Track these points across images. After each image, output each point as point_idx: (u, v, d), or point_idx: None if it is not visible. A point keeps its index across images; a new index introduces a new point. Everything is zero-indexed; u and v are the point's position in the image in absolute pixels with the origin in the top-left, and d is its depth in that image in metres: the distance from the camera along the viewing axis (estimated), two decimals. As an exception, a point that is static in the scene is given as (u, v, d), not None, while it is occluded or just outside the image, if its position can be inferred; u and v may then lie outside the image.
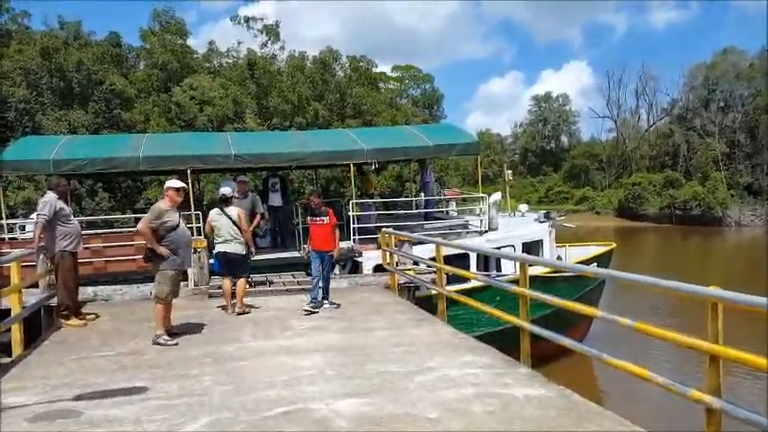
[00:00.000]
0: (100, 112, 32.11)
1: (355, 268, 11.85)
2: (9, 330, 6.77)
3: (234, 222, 8.27)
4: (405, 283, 9.81)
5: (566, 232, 17.69)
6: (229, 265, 8.39)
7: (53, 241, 7.68)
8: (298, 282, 10.50)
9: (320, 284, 8.50)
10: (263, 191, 14.28)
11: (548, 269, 11.30)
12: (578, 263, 12.87)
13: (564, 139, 76.88)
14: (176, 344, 6.71)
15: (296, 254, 12.31)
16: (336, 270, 11.42)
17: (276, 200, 13.76)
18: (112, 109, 32.69)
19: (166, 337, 6.78)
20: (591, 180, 65.67)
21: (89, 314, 8.27)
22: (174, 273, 6.92)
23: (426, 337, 6.81)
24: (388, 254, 10.49)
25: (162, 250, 6.74)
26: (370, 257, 11.63)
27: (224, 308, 8.53)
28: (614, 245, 16.53)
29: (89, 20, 47.92)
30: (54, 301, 8.13)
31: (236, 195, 9.92)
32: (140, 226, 6.86)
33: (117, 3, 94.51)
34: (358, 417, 4.42)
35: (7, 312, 7.15)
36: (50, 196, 7.73)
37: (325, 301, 8.51)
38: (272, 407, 4.67)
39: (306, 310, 8.20)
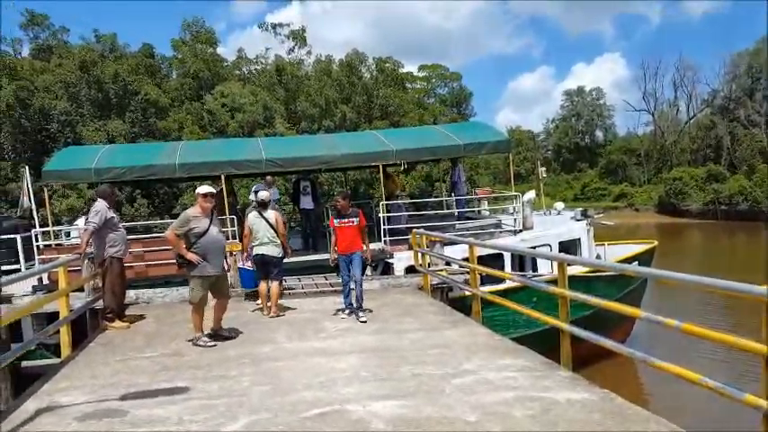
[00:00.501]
0: (136, 122, 32.94)
1: (387, 270, 11.86)
2: (58, 332, 7.03)
3: (271, 225, 8.40)
4: (437, 284, 9.78)
5: (604, 230, 17.33)
6: (266, 267, 8.52)
7: (102, 247, 8.00)
8: (330, 284, 10.58)
9: (352, 288, 8.16)
10: (294, 194, 14.45)
11: (586, 269, 11.11)
12: (618, 262, 12.63)
13: (599, 133, 75.30)
14: (214, 345, 6.85)
15: (327, 255, 12.40)
16: (368, 271, 11.47)
17: (307, 203, 13.92)
18: (148, 118, 33.48)
19: (205, 339, 6.93)
20: (629, 176, 63.97)
21: (135, 316, 8.57)
22: (204, 278, 6.94)
23: (462, 338, 6.77)
24: (419, 255, 10.48)
25: (191, 256, 6.81)
26: (401, 258, 11.63)
27: (260, 309, 8.70)
28: (656, 242, 16.12)
29: (123, 32, 49.24)
30: (99, 305, 8.42)
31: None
32: (167, 233, 7.03)
33: (149, 14, 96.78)
34: (395, 419, 4.43)
35: (56, 315, 7.43)
36: (101, 205, 8.06)
37: (360, 312, 8.00)
38: (310, 408, 4.73)
39: (341, 316, 8.14)
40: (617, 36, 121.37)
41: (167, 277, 10.53)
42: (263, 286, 8.63)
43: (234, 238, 11.80)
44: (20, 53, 37.20)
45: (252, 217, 8.60)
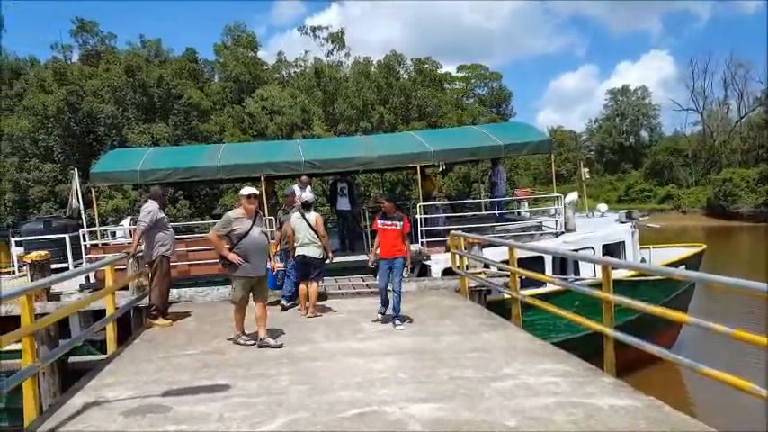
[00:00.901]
0: (179, 125, 33.74)
1: (423, 271, 11.81)
2: (103, 329, 7.24)
3: (311, 227, 8.47)
4: (475, 286, 9.66)
5: (649, 233, 16.82)
6: (306, 268, 8.59)
7: (152, 246, 8.27)
8: (366, 284, 10.59)
9: (389, 296, 7.91)
10: (332, 195, 14.53)
11: (631, 272, 10.81)
12: (664, 266, 12.24)
13: (644, 134, 73.21)
14: (253, 343, 6.93)
15: (364, 257, 12.42)
16: (405, 273, 11.42)
17: (344, 204, 13.97)
18: (190, 121, 34.27)
19: (244, 338, 7.03)
20: (675, 177, 61.90)
21: (179, 313, 8.82)
22: (246, 278, 6.94)
23: (501, 342, 6.68)
24: (457, 257, 10.39)
25: (232, 257, 6.81)
26: (438, 260, 11.55)
27: (299, 309, 8.79)
28: (704, 246, 15.57)
29: (168, 37, 50.56)
30: (144, 302, 8.66)
31: (286, 208, 9.82)
32: (209, 233, 7.12)
33: (193, 19, 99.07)
34: (433, 421, 4.40)
35: (102, 312, 7.66)
36: (153, 205, 8.35)
37: (397, 321, 7.71)
38: (347, 408, 4.73)
39: (377, 317, 8.02)
40: (664, 33, 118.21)
41: (209, 277, 10.74)
42: (302, 288, 8.70)
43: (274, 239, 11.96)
44: (70, 59, 38.57)
45: (294, 218, 8.70)
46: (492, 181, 14.61)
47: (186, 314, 8.92)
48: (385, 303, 8.03)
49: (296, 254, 8.62)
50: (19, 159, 30.66)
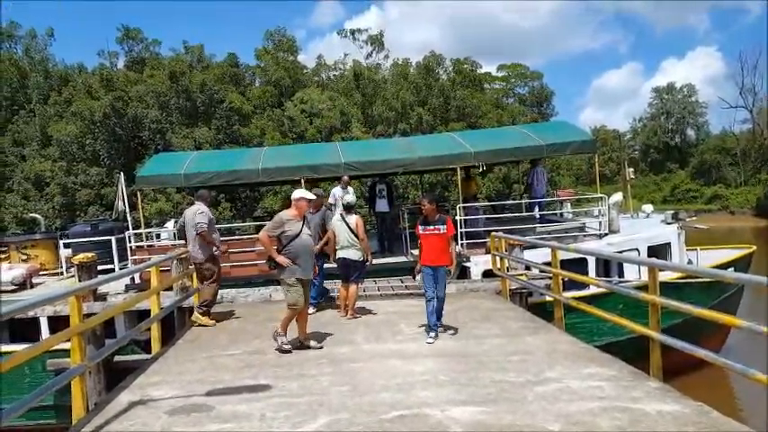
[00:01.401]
0: (221, 129, 34.43)
1: (463, 273, 11.71)
2: (149, 329, 7.41)
3: (351, 230, 8.49)
4: (516, 288, 9.52)
5: (697, 234, 16.25)
6: (346, 270, 8.62)
7: (206, 246, 8.49)
8: (405, 286, 10.57)
9: (435, 305, 7.24)
10: (370, 197, 14.57)
11: (677, 274, 10.49)
12: (713, 268, 11.82)
13: (690, 132, 71.00)
14: (290, 350, 6.72)
15: (402, 258, 12.41)
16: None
17: (383, 206, 13.98)
18: (232, 125, 34.92)
19: (283, 339, 6.83)
20: (723, 176, 59.77)
21: (223, 313, 9.06)
22: (297, 280, 6.80)
23: (543, 345, 6.55)
24: (498, 258, 10.26)
25: (281, 259, 6.71)
26: (478, 262, 11.44)
27: (338, 310, 8.84)
28: (754, 247, 14.99)
29: (210, 43, 51.62)
30: (187, 303, 8.86)
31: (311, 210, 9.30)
32: (260, 234, 6.99)
33: (234, 24, 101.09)
34: (475, 425, 4.34)
35: (146, 312, 7.85)
36: (205, 207, 8.61)
37: (432, 332, 7.14)
38: (388, 410, 4.71)
39: (427, 340, 7.00)
40: (711, 29, 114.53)
41: (250, 278, 10.90)
42: (342, 290, 8.74)
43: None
44: (116, 66, 39.79)
45: (335, 220, 8.74)
46: (528, 182, 14.41)
47: (229, 314, 9.09)
48: (433, 314, 7.20)
49: (336, 256, 8.66)
50: (67, 163, 31.77)
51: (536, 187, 14.01)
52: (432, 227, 7.26)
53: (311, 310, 8.74)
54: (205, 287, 8.57)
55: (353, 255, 8.52)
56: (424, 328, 7.49)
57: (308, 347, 6.85)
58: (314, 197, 7.26)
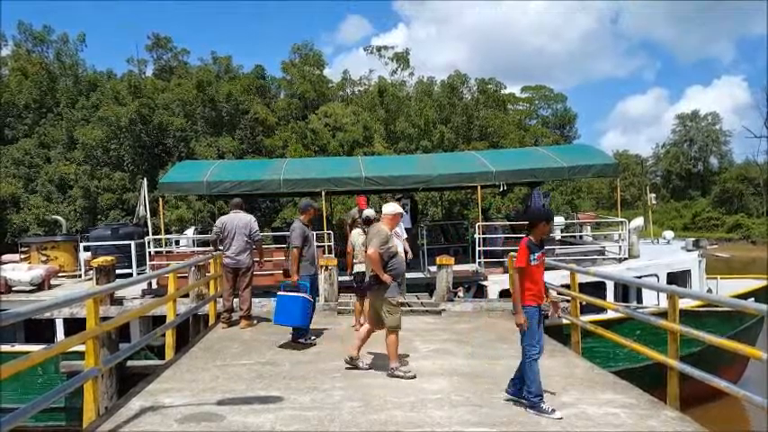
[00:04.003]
0: (245, 139, 34.73)
1: (480, 292, 11.61)
2: (163, 335, 7.44)
3: None
4: (534, 310, 9.40)
5: (717, 263, 16.00)
6: (363, 285, 8.55)
7: (250, 254, 8.92)
8: (422, 303, 10.50)
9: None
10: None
11: (696, 302, 10.29)
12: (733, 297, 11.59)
13: (713, 160, 70.01)
14: (413, 377, 6.12)
15: (420, 275, 12.35)
16: (460, 293, 11.27)
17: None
18: (256, 136, 35.20)
19: (404, 369, 6.28)
20: (745, 206, 58.91)
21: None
22: (398, 300, 6.45)
23: (559, 369, 6.45)
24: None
25: (386, 277, 6.24)
26: (495, 281, 11.36)
27: (353, 326, 8.75)
28: None
29: (238, 54, 52.30)
30: (202, 311, 8.97)
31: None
32: (371, 251, 6.19)
33: (263, 37, 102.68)
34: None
35: (161, 318, 7.89)
36: (253, 217, 9.01)
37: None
38: (400, 429, 4.65)
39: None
40: (738, 59, 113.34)
41: (265, 287, 10.89)
42: (358, 305, 8.69)
43: (330, 252, 12.10)
44: (144, 73, 40.46)
45: (355, 234, 8.66)
46: (528, 204, 14.41)
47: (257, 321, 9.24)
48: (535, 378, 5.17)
49: (355, 271, 8.62)
50: (91, 167, 32.22)
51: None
52: (541, 252, 5.38)
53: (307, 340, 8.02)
54: (246, 293, 8.92)
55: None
56: (438, 347, 7.39)
57: (357, 367, 6.50)
58: (401, 211, 6.83)
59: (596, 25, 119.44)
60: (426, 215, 31.46)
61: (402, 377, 6.11)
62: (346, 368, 6.49)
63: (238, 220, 8.82)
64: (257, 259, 9.08)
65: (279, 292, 7.75)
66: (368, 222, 8.56)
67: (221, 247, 8.97)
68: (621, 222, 12.91)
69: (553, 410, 4.92)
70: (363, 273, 8.40)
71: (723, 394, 4.67)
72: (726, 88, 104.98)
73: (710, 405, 9.05)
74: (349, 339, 8.05)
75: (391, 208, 6.69)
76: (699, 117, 70.50)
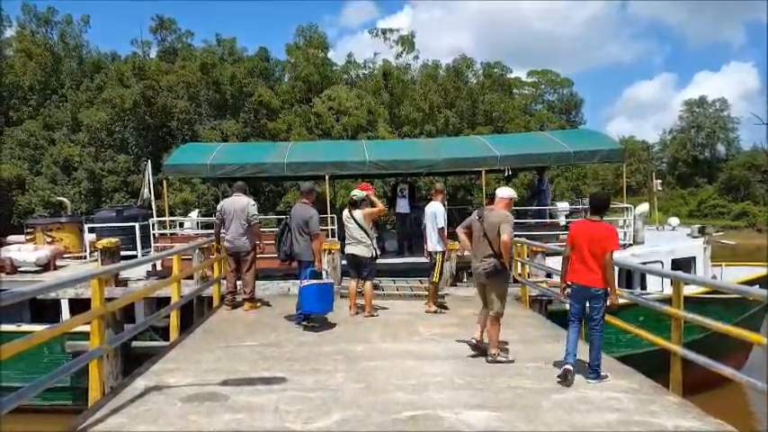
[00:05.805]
0: (248, 122, 34.64)
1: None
2: (168, 316, 7.48)
3: (360, 226, 8.37)
4: (536, 295, 9.43)
5: (722, 250, 15.96)
6: (357, 267, 8.58)
7: (250, 237, 8.85)
8: (425, 287, 10.49)
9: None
10: (392, 196, 14.54)
11: (700, 289, 10.28)
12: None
13: (720, 147, 69.35)
14: (512, 361, 6.09)
15: (422, 259, 12.35)
16: (464, 279, 11.27)
17: (403, 206, 13.96)
18: (259, 119, 35.10)
19: (504, 355, 6.19)
20: (752, 193, 58.58)
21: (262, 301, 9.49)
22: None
23: (562, 353, 6.44)
24: (519, 264, 10.16)
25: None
26: None
27: (349, 308, 8.72)
28: None
29: (242, 36, 51.98)
30: (206, 293, 9.00)
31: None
32: (507, 238, 5.91)
33: (267, 19, 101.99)
34: (488, 430, 4.29)
35: (165, 300, 7.93)
36: (251, 201, 8.94)
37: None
38: (401, 410, 4.69)
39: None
40: (747, 44, 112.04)
41: (269, 271, 10.93)
42: (352, 285, 8.71)
43: (333, 236, 12.10)
44: (148, 55, 40.26)
45: (344, 217, 8.62)
46: (542, 189, 14.36)
47: (268, 303, 9.33)
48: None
49: (346, 252, 8.62)
50: (95, 149, 32.22)
51: (546, 193, 14.03)
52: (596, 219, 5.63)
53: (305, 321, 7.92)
54: (248, 276, 8.94)
55: (363, 251, 8.41)
56: (441, 331, 7.41)
57: (486, 353, 6.24)
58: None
59: (605, 9, 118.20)
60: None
61: (504, 362, 6.02)
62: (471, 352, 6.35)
63: (237, 204, 8.76)
64: (259, 242, 9.06)
65: (306, 282, 7.59)
66: (354, 204, 8.51)
67: (223, 231, 8.98)
68: (627, 208, 12.86)
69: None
70: (353, 254, 8.42)
71: (724, 382, 4.68)
72: (735, 74, 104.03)
73: (714, 391, 9.09)
74: (351, 322, 8.11)
75: (507, 192, 6.43)
76: (707, 103, 69.78)
